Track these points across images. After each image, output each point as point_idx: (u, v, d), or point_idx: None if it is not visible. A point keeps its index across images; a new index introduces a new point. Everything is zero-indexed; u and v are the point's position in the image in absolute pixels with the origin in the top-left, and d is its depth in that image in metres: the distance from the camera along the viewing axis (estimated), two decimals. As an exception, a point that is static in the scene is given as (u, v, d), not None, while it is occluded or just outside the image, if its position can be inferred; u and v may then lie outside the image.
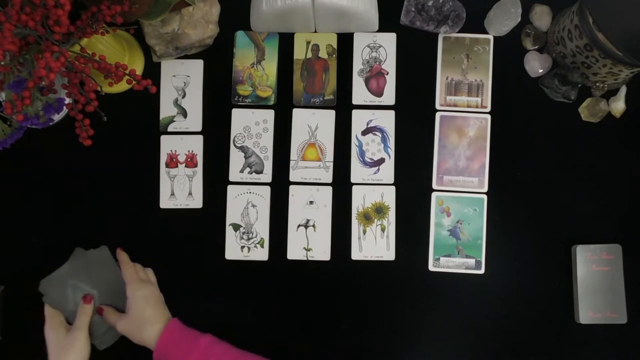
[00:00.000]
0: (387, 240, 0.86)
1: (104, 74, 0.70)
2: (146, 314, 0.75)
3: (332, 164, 0.87)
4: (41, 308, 0.79)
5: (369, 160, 0.87)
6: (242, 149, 0.87)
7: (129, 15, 0.72)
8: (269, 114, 0.88)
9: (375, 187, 0.87)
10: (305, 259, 0.86)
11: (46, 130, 0.84)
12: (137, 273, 0.79)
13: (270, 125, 0.88)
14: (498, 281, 0.85)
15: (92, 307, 0.76)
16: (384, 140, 0.87)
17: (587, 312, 0.82)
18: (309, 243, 0.86)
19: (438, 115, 0.88)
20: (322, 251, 0.86)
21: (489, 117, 0.87)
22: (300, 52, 0.88)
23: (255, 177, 0.87)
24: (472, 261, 0.86)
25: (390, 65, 0.88)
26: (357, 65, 0.88)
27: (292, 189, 0.87)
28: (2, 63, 0.64)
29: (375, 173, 0.87)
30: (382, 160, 0.87)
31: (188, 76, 0.88)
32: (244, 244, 0.86)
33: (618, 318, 0.82)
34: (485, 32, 0.88)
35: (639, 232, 0.86)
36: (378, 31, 0.88)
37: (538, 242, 0.86)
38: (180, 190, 0.87)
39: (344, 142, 0.87)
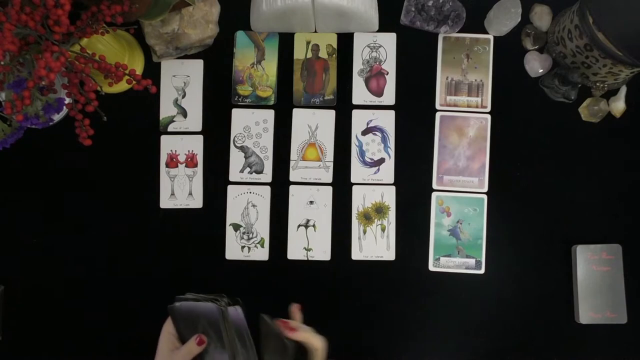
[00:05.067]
0: (387, 240, 0.86)
1: (104, 74, 0.70)
2: None
3: (332, 164, 0.87)
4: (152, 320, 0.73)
5: (369, 160, 0.87)
6: (242, 149, 0.87)
7: (129, 15, 0.72)
8: (269, 114, 0.88)
9: (375, 187, 0.87)
10: (305, 259, 0.86)
11: (46, 130, 0.84)
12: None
13: (270, 125, 0.88)
14: (498, 281, 0.85)
15: (200, 350, 0.71)
16: (384, 140, 0.87)
17: (587, 312, 0.82)
18: (309, 243, 0.86)
19: (438, 115, 0.88)
20: (322, 251, 0.86)
21: (489, 117, 0.87)
22: (300, 52, 0.88)
23: (255, 177, 0.87)
24: (472, 261, 0.86)
25: (390, 65, 0.88)
26: (357, 65, 0.88)
27: (292, 189, 0.87)
28: (2, 63, 0.64)
29: (375, 173, 0.87)
30: (382, 160, 0.87)
31: (188, 76, 0.88)
32: (244, 244, 0.86)
33: (618, 318, 0.82)
34: (485, 32, 0.88)
35: (639, 232, 0.86)
36: (378, 31, 0.88)
37: (538, 242, 0.86)
38: (181, 190, 0.87)
39: (344, 142, 0.87)
